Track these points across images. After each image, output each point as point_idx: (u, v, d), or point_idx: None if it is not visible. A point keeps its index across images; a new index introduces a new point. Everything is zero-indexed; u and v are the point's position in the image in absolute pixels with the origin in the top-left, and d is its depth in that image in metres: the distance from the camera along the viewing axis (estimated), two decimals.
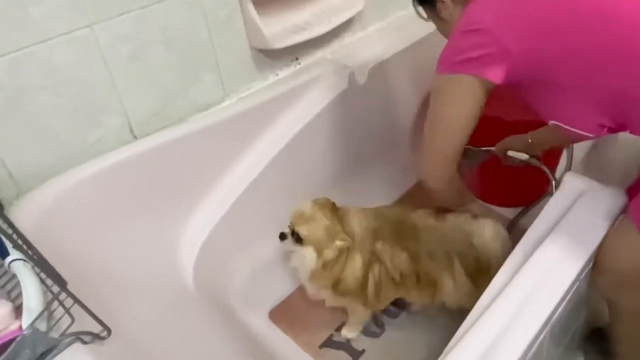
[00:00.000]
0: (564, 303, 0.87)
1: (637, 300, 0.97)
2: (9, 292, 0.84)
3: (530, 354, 0.80)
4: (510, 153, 1.26)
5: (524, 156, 1.24)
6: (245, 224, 1.40)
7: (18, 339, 0.74)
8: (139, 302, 1.11)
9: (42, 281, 0.83)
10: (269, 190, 1.42)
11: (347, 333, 1.32)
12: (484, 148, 1.30)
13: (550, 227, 0.96)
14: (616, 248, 0.94)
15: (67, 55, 1.05)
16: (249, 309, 1.36)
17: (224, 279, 1.39)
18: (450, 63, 0.91)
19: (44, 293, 0.81)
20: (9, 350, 0.73)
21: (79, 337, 0.80)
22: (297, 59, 1.50)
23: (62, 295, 0.80)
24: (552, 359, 1.00)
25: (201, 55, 1.27)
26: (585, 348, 1.26)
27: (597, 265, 0.95)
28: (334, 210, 1.15)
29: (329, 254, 1.11)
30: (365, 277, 1.15)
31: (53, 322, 0.81)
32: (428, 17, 1.06)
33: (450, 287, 1.18)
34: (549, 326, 0.84)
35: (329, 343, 1.32)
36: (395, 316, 1.37)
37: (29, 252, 0.86)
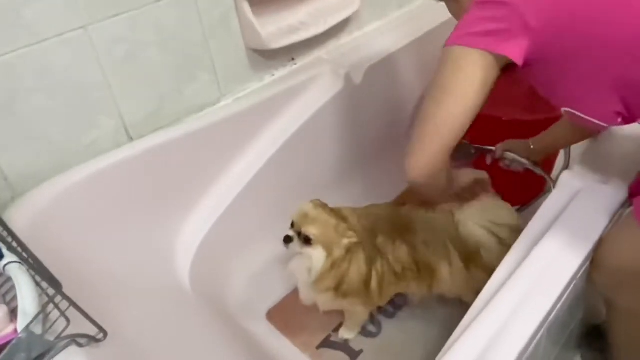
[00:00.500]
0: (562, 301, 0.87)
1: (634, 298, 0.97)
2: (4, 295, 0.84)
3: (527, 353, 0.80)
4: (510, 156, 1.25)
5: (523, 162, 1.24)
6: (242, 224, 1.40)
7: (13, 342, 0.74)
8: (135, 304, 1.11)
9: (38, 284, 0.83)
10: (265, 191, 1.42)
11: (345, 334, 1.32)
12: (476, 145, 1.30)
13: (548, 225, 0.96)
14: (615, 246, 0.94)
15: (61, 56, 1.04)
16: (246, 310, 1.36)
17: (221, 281, 1.39)
18: (463, 35, 0.83)
19: (40, 296, 0.81)
20: (4, 353, 0.73)
21: (75, 339, 0.80)
22: (293, 59, 1.50)
23: (58, 298, 0.79)
24: (549, 357, 1.00)
25: (196, 55, 1.26)
26: (582, 346, 1.26)
27: (595, 262, 0.95)
28: (333, 210, 1.15)
29: (338, 252, 1.10)
30: (369, 274, 1.15)
31: (48, 325, 0.80)
32: None
33: (447, 274, 1.20)
34: (546, 324, 0.84)
35: (327, 343, 1.32)
36: (392, 316, 1.37)
37: (24, 254, 0.86)
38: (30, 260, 0.85)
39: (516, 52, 0.81)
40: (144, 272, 1.19)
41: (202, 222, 1.33)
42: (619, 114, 0.85)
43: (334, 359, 1.29)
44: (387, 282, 1.19)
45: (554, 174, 1.55)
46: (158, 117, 1.25)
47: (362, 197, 1.50)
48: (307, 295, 1.22)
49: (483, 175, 1.21)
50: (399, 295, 1.34)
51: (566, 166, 1.52)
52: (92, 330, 0.83)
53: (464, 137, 0.90)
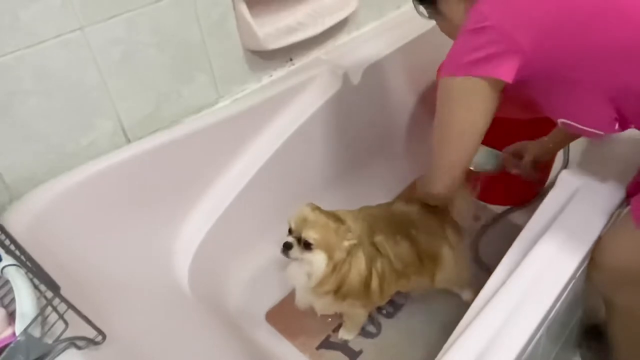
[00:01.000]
0: (561, 300, 0.87)
1: (633, 298, 0.97)
2: (2, 298, 0.84)
3: (527, 352, 0.80)
4: (525, 165, 1.26)
5: (533, 174, 1.26)
6: (241, 225, 1.39)
7: (11, 345, 0.74)
8: (134, 306, 1.10)
9: (36, 287, 0.82)
10: (264, 192, 1.41)
11: (344, 334, 1.32)
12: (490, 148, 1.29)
13: (547, 224, 0.96)
14: (613, 245, 0.94)
15: (58, 58, 1.04)
16: (245, 312, 1.36)
17: (220, 282, 1.38)
18: (457, 65, 0.86)
19: (38, 298, 0.81)
20: (2, 356, 0.73)
21: (73, 342, 0.80)
22: (291, 59, 1.50)
23: (56, 301, 0.79)
24: (548, 356, 1.01)
25: (194, 57, 1.26)
26: (581, 345, 1.26)
27: (593, 261, 0.95)
28: (329, 212, 1.14)
29: (339, 255, 1.08)
30: (369, 275, 1.14)
31: (47, 327, 0.80)
32: (429, 15, 1.01)
33: (451, 258, 1.22)
34: (545, 323, 0.84)
35: (326, 344, 1.31)
36: (391, 316, 1.37)
37: (22, 257, 0.86)
38: (28, 263, 0.84)
39: (508, 72, 0.82)
40: (142, 275, 1.19)
41: (200, 224, 1.32)
42: (615, 120, 0.86)
43: (334, 359, 1.28)
44: (388, 282, 1.18)
45: (554, 171, 1.56)
46: (156, 118, 1.25)
47: (361, 198, 1.50)
48: (303, 300, 1.20)
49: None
50: (398, 295, 1.34)
51: (565, 165, 1.52)
52: (90, 333, 0.83)
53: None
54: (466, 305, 0.87)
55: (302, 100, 1.44)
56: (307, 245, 1.06)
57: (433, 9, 0.99)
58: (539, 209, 1.01)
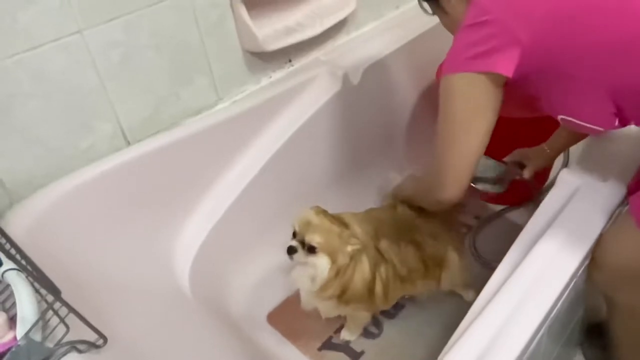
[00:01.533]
0: (562, 299, 0.87)
1: (634, 296, 0.97)
2: (3, 303, 0.84)
3: (528, 351, 0.80)
4: (526, 175, 1.25)
5: (533, 180, 1.26)
6: (241, 227, 1.39)
7: (12, 349, 0.74)
8: (135, 309, 1.10)
9: (37, 290, 0.82)
10: (264, 193, 1.41)
11: (346, 335, 1.32)
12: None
13: (547, 223, 0.96)
14: (614, 244, 0.94)
15: (57, 61, 1.04)
16: (247, 313, 1.36)
17: (221, 284, 1.38)
18: (457, 62, 0.86)
19: (39, 302, 0.81)
20: None
21: (75, 346, 0.80)
22: (290, 60, 1.50)
23: (57, 305, 0.79)
24: (550, 355, 1.00)
25: (193, 59, 1.26)
26: (583, 344, 1.26)
27: (594, 260, 0.95)
28: (334, 216, 1.12)
29: (342, 259, 1.07)
30: (372, 280, 1.14)
31: (48, 331, 0.80)
32: (433, 12, 1.02)
33: (456, 259, 1.22)
34: (547, 323, 0.84)
35: (328, 345, 1.31)
36: (393, 317, 1.37)
37: (23, 261, 0.86)
38: (28, 267, 0.84)
39: (507, 67, 0.82)
40: (143, 277, 1.19)
41: (201, 226, 1.32)
42: (615, 116, 0.86)
43: None
44: (392, 287, 1.17)
45: (554, 170, 1.56)
46: (155, 120, 1.25)
47: (361, 198, 1.51)
48: (308, 303, 1.21)
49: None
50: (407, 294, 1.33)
51: (565, 164, 1.52)
52: (91, 336, 0.83)
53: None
54: (468, 305, 0.87)
55: (301, 101, 1.44)
56: (311, 249, 1.06)
57: (436, 5, 0.99)
58: (539, 208, 1.01)
